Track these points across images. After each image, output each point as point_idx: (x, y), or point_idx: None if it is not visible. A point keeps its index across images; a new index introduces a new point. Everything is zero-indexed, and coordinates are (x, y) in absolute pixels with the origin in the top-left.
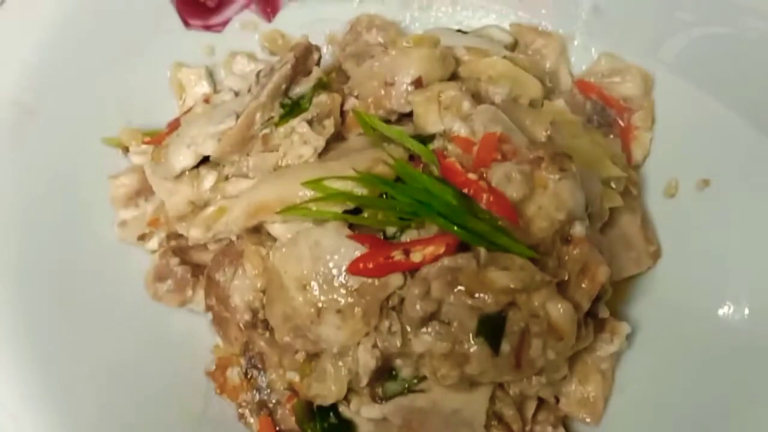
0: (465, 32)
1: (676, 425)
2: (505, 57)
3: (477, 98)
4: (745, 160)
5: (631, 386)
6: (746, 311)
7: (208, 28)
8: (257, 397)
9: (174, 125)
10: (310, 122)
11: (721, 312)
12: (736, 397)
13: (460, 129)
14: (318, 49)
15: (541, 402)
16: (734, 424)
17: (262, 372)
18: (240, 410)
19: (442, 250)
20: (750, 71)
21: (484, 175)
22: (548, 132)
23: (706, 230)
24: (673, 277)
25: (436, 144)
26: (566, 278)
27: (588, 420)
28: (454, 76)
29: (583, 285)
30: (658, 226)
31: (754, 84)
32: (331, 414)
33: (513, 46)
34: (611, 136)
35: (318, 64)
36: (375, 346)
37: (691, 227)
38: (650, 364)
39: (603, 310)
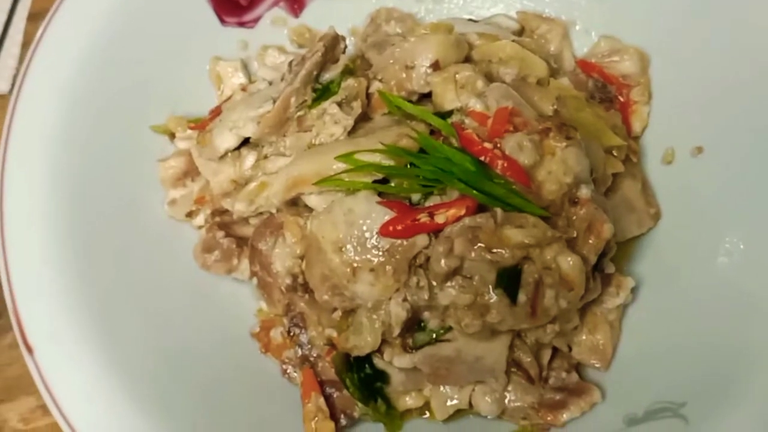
0: (475, 21)
1: (678, 368)
2: (513, 41)
3: (489, 78)
4: (734, 128)
5: (636, 335)
6: (739, 264)
7: (241, 24)
8: (299, 352)
9: (216, 112)
10: (339, 104)
11: (716, 265)
12: (732, 341)
13: (475, 104)
14: (344, 38)
15: (555, 351)
16: (731, 366)
17: (303, 330)
18: (284, 366)
19: (463, 211)
20: (735, 48)
21: (498, 145)
22: (554, 106)
23: (701, 192)
24: (672, 236)
25: (454, 118)
26: (575, 235)
27: (598, 365)
28: (467, 59)
29: (590, 241)
30: (657, 190)
31: (739, 58)
32: (367, 365)
33: (519, 32)
34: (612, 110)
35: (344, 52)
36: (405, 300)
37: (687, 190)
38: (654, 315)
39: (609, 265)
